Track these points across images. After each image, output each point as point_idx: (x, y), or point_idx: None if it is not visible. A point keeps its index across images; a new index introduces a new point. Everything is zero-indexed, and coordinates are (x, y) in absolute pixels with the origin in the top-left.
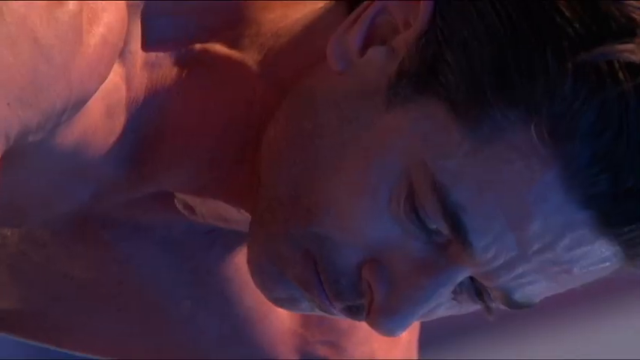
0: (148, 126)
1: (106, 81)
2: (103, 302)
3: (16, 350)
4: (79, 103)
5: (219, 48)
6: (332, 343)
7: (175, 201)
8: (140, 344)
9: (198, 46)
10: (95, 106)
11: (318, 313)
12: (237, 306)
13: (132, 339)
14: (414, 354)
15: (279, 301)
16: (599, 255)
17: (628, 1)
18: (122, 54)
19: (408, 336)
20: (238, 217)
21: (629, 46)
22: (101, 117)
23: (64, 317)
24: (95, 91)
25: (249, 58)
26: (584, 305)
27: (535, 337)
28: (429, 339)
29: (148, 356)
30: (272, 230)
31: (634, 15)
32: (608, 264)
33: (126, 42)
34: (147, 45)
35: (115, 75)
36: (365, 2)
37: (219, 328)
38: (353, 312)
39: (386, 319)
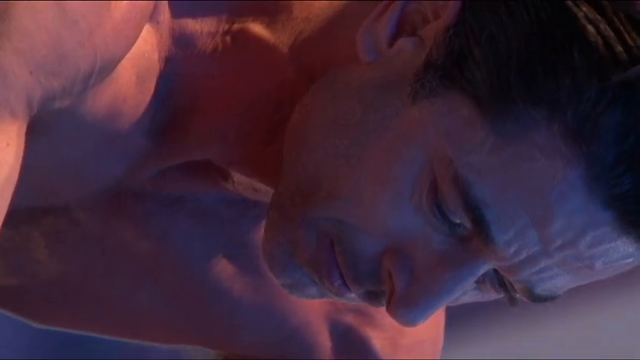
0: (179, 99)
1: (136, 48)
2: (140, 277)
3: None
4: (107, 67)
5: (255, 29)
6: (361, 312)
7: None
8: (179, 317)
9: (236, 26)
10: (124, 73)
11: (330, 298)
12: (270, 276)
13: (171, 313)
14: (441, 328)
15: (286, 287)
16: (622, 252)
17: None
18: (153, 24)
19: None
20: (268, 188)
21: None
22: (131, 85)
23: (104, 293)
24: (123, 55)
25: (281, 42)
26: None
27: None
28: None
29: (187, 330)
30: (289, 215)
31: None
32: (631, 260)
33: (157, 12)
34: (181, 19)
35: (146, 44)
36: None
37: (254, 299)
38: (372, 298)
39: (406, 310)
